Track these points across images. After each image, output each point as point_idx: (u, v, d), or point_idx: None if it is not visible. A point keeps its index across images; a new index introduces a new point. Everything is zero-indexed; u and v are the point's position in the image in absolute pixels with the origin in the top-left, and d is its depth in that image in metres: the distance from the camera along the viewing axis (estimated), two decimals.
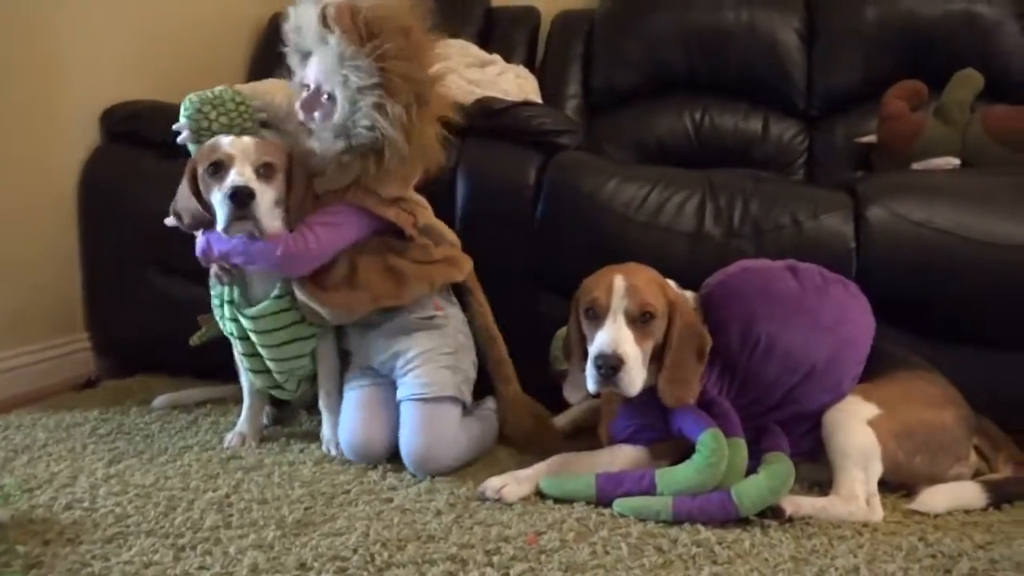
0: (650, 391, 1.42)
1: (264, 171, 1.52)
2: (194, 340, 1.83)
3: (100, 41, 2.28)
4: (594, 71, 2.73)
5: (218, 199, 1.49)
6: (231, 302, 1.65)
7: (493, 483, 1.43)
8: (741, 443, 1.39)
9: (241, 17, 2.88)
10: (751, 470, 1.38)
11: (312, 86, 1.59)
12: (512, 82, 2.46)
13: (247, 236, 1.52)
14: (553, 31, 2.84)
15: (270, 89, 2.45)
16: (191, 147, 1.64)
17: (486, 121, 1.98)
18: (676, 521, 1.33)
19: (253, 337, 1.65)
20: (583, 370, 1.43)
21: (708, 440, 1.36)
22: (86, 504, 1.40)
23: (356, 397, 1.65)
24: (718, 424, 1.39)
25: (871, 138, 2.32)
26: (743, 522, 1.33)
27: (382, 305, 1.61)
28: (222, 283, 1.65)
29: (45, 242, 2.16)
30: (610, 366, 1.36)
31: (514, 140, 1.95)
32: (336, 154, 1.55)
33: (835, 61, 2.54)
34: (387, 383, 1.67)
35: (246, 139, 1.55)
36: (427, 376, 1.60)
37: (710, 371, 1.48)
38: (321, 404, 1.71)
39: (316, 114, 1.58)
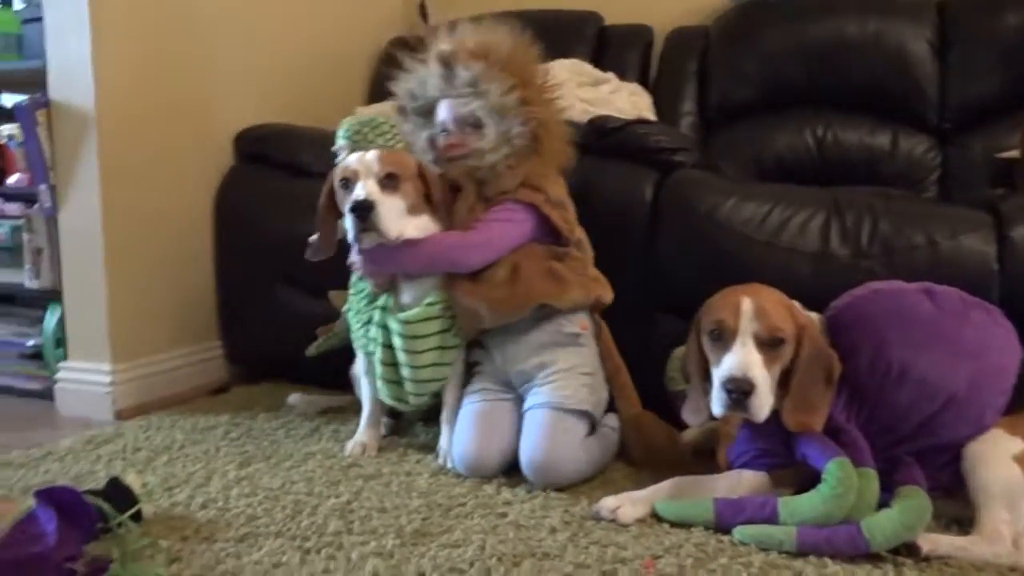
0: (773, 416, 1.37)
1: (388, 182, 1.60)
2: (311, 351, 1.91)
3: (234, 70, 2.43)
4: (710, 87, 2.68)
5: (348, 213, 1.58)
6: (383, 308, 1.71)
7: (608, 503, 1.42)
8: (872, 474, 1.32)
9: (361, 43, 3.00)
10: (883, 504, 1.31)
11: (452, 127, 1.71)
12: (626, 100, 2.45)
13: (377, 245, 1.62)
14: (667, 48, 2.81)
15: (389, 111, 2.56)
16: None
17: (601, 139, 1.98)
18: (800, 552, 1.28)
19: (397, 343, 1.68)
20: (705, 392, 1.40)
21: (835, 469, 1.30)
22: (220, 504, 1.47)
23: (474, 411, 1.68)
24: (846, 453, 1.33)
25: (1013, 153, 2.17)
26: (874, 558, 1.27)
27: (542, 302, 1.64)
28: (376, 290, 1.73)
29: (185, 257, 2.31)
30: (742, 391, 1.33)
31: (630, 158, 1.94)
32: (502, 161, 1.66)
33: (971, 71, 2.39)
34: (507, 400, 1.69)
35: (370, 153, 1.63)
36: (565, 389, 1.63)
37: (838, 397, 1.42)
38: (444, 416, 1.74)
39: (460, 148, 1.69)
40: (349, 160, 1.64)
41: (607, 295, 1.73)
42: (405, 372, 1.70)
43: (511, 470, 1.64)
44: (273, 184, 2.30)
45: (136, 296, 2.17)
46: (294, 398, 2.08)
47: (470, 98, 1.67)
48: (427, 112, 1.78)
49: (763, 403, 1.34)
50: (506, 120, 1.65)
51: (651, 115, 2.52)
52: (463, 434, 1.65)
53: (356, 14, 2.97)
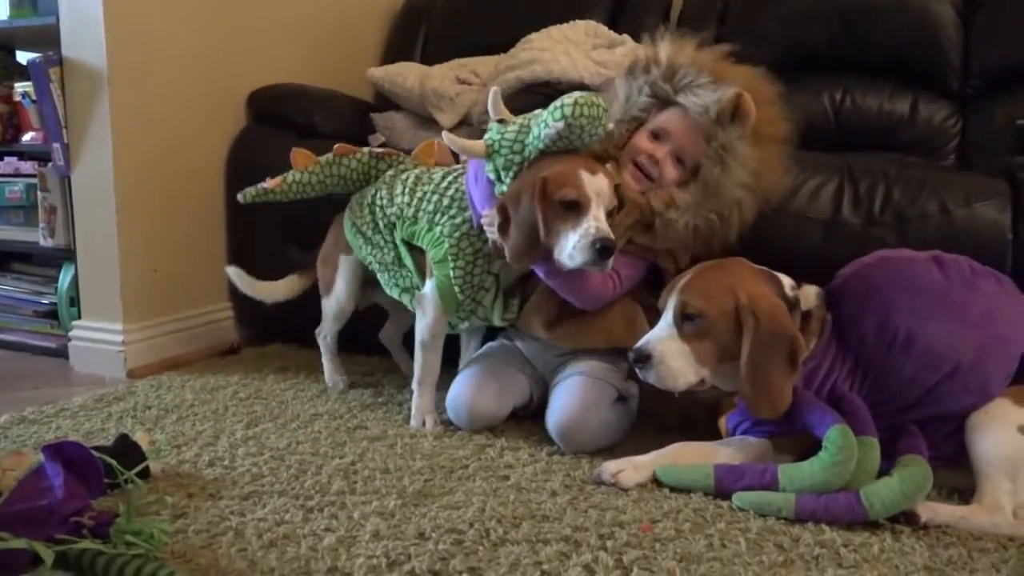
0: None
1: (610, 215, 1.51)
2: (243, 196, 1.90)
3: (248, 29, 2.42)
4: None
5: (577, 242, 1.45)
6: (497, 275, 1.67)
7: (609, 467, 1.43)
8: (873, 442, 1.32)
9: (376, 3, 2.97)
10: (884, 472, 1.31)
11: (668, 144, 1.60)
12: None
13: None
14: (685, 10, 2.75)
15: (403, 72, 2.53)
16: (540, 143, 1.53)
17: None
18: (799, 519, 1.28)
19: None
20: None
21: (836, 437, 1.30)
22: (226, 462, 1.50)
23: (483, 362, 1.73)
24: (848, 422, 1.32)
25: None
26: (872, 525, 1.27)
27: (613, 345, 1.63)
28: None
29: (197, 218, 2.32)
30: (634, 359, 1.42)
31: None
32: (681, 228, 1.56)
33: (996, 35, 2.33)
34: (517, 368, 1.72)
35: (602, 180, 1.50)
36: (593, 362, 1.64)
37: (841, 366, 1.41)
38: (418, 378, 1.74)
39: (657, 169, 1.60)
40: (581, 179, 1.47)
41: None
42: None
43: (513, 433, 1.66)
44: (286, 145, 2.27)
45: (148, 257, 2.18)
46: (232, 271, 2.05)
47: (713, 156, 1.55)
48: (660, 99, 1.64)
49: (663, 375, 1.40)
50: (714, 200, 1.55)
51: None
52: (466, 380, 1.69)
53: None
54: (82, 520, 1.13)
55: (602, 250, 1.44)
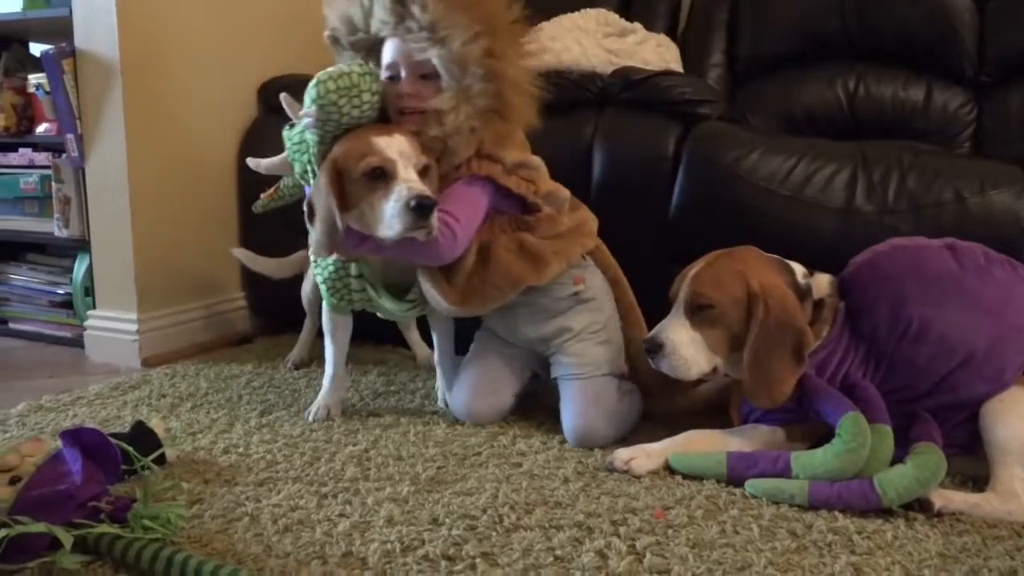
0: None
1: (423, 172, 1.44)
2: (256, 207, 1.89)
3: (259, 20, 2.43)
4: (740, 38, 2.61)
5: (393, 208, 1.39)
6: (360, 276, 1.63)
7: (621, 454, 1.43)
8: (886, 430, 1.32)
9: None
10: (898, 460, 1.31)
11: (405, 73, 1.50)
12: (652, 51, 2.40)
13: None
14: None
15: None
16: (310, 134, 1.51)
17: (625, 91, 1.95)
18: (812, 506, 1.28)
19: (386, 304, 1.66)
20: None
21: (849, 424, 1.30)
22: (241, 449, 1.51)
23: (475, 362, 1.71)
24: (861, 409, 1.32)
25: None
26: (885, 512, 1.27)
27: (521, 288, 1.56)
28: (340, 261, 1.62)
29: (210, 208, 2.33)
30: (646, 349, 1.45)
31: (653, 110, 1.91)
32: (465, 123, 1.46)
33: (1013, 21, 2.31)
34: (510, 354, 1.70)
35: (400, 139, 1.44)
36: (583, 355, 1.61)
37: (854, 354, 1.41)
38: (438, 360, 1.78)
39: (413, 99, 1.49)
40: (376, 145, 1.41)
41: (589, 242, 1.64)
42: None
43: (526, 421, 1.66)
44: None
45: (162, 247, 2.20)
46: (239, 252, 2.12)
47: (426, 43, 1.45)
48: (367, 47, 1.57)
49: (675, 364, 1.42)
50: (467, 74, 1.45)
51: (678, 67, 2.47)
52: (463, 383, 1.68)
53: None
54: (100, 505, 1.14)
55: (418, 207, 1.36)
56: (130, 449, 1.35)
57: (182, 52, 2.20)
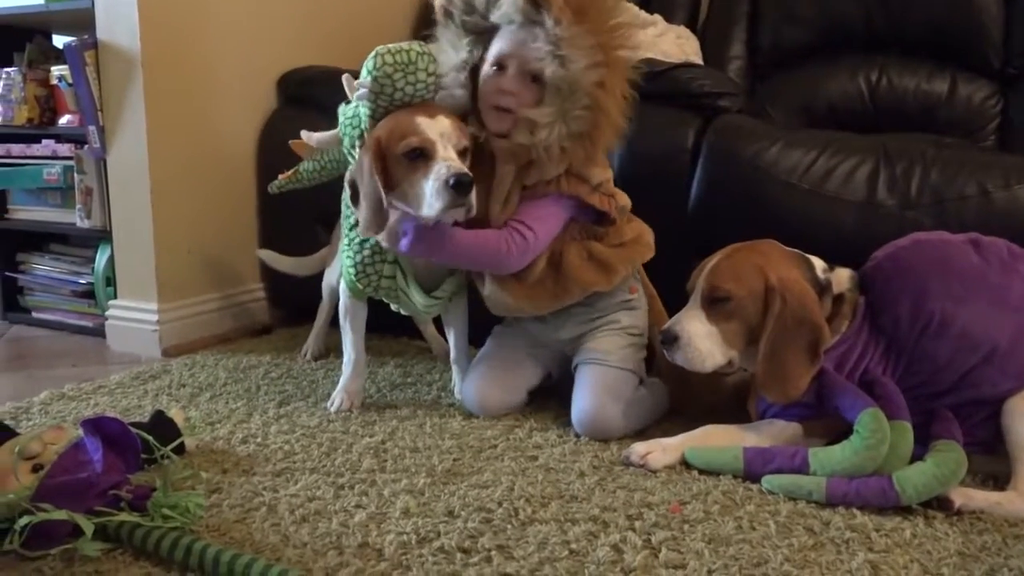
0: None
1: (462, 155, 1.45)
2: (272, 188, 1.91)
3: (278, 11, 2.43)
4: (761, 30, 2.60)
5: (432, 187, 1.40)
6: (394, 262, 1.63)
7: (638, 449, 1.43)
8: (906, 427, 1.30)
9: None
10: (917, 457, 1.29)
11: (513, 71, 1.48)
12: (672, 43, 2.39)
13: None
14: None
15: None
16: (363, 107, 1.53)
17: (644, 84, 1.93)
18: (829, 503, 1.27)
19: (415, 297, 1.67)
20: None
21: (868, 420, 1.28)
22: (259, 439, 1.52)
23: (491, 355, 1.71)
24: (880, 405, 1.31)
25: None
26: (904, 510, 1.25)
27: (588, 293, 1.60)
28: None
29: (230, 199, 2.34)
30: (662, 340, 1.45)
31: (673, 103, 1.90)
32: (556, 142, 1.47)
33: None
34: (527, 351, 1.70)
35: (443, 121, 1.45)
36: (611, 346, 1.62)
37: (874, 349, 1.40)
38: (454, 358, 1.78)
39: (513, 99, 1.48)
40: (418, 126, 1.43)
41: (648, 252, 1.67)
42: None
43: (541, 414, 1.66)
44: (315, 126, 2.28)
45: (182, 237, 2.21)
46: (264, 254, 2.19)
47: (546, 55, 1.44)
48: (477, 32, 1.54)
49: (690, 356, 1.42)
50: (574, 98, 1.44)
51: (698, 59, 2.46)
52: (477, 375, 1.68)
53: None
54: (120, 493, 1.15)
55: (457, 184, 1.36)
56: (150, 438, 1.36)
57: (202, 44, 2.21)
